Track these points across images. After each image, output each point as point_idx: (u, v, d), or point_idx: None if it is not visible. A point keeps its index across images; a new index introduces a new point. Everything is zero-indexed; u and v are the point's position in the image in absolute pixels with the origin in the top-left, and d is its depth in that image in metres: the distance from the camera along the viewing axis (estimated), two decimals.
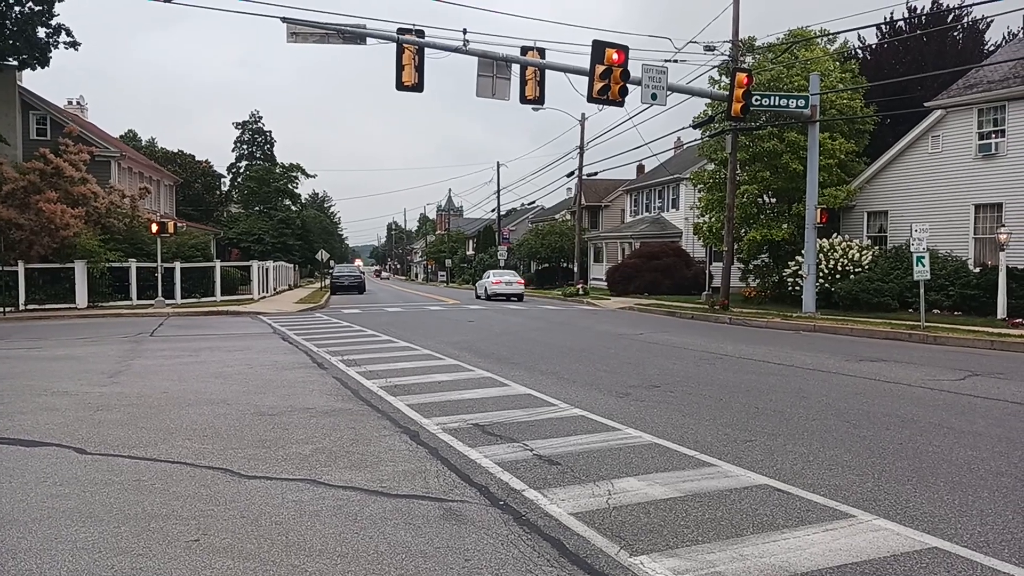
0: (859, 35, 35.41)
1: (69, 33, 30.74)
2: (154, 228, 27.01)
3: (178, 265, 29.26)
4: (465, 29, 18.26)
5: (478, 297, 38.96)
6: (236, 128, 77.33)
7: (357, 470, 6.21)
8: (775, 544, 4.56)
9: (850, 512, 5.11)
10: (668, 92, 20.15)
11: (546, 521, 4.99)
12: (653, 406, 8.88)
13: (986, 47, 32.05)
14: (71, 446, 7.04)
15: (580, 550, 4.50)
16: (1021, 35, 27.42)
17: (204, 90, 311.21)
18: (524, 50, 18.93)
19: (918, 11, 33.01)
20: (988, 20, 32.43)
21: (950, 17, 31.98)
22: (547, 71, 19.19)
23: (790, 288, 26.18)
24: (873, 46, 33.91)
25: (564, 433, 7.43)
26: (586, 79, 18.36)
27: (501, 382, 10.59)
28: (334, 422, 8.08)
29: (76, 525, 4.93)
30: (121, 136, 58.05)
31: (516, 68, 18.82)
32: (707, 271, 33.37)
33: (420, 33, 17.93)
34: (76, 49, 31.41)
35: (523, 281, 40.12)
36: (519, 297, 36.92)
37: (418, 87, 17.76)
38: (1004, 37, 31.43)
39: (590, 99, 18.20)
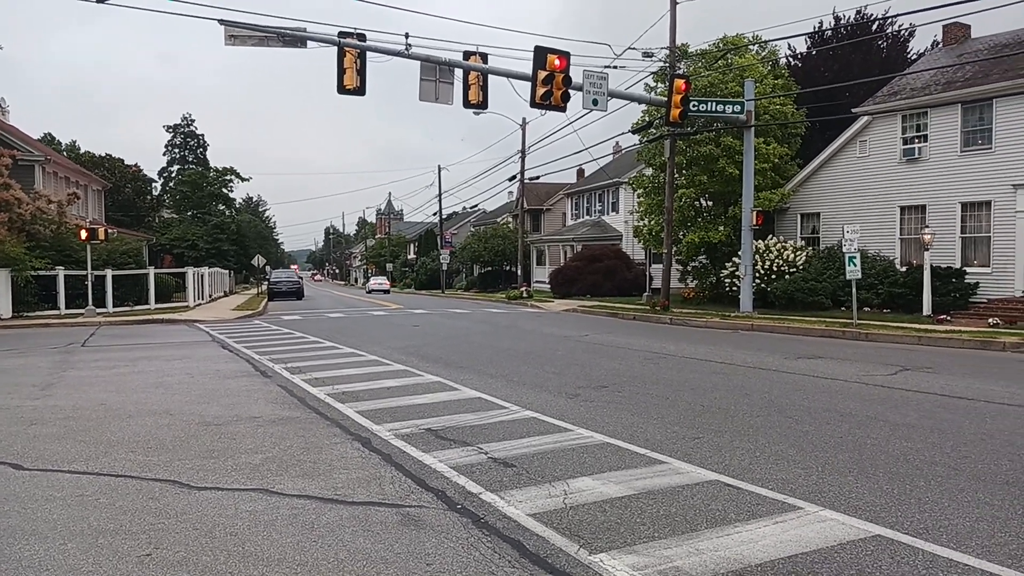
0: (789, 44, 36.55)
1: None
2: (83, 235, 26.06)
3: (109, 273, 28.27)
4: (407, 33, 18.19)
5: (367, 292, 62.61)
6: (167, 131, 75.21)
7: (310, 478, 6.13)
8: (729, 537, 4.69)
9: (798, 504, 5.29)
10: (608, 98, 20.46)
11: (505, 523, 5.02)
12: (602, 406, 9.01)
13: (910, 54, 33.45)
14: (6, 462, 6.76)
15: (540, 550, 4.55)
16: (941, 45, 28.72)
17: (126, 90, 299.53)
18: (467, 55, 18.95)
19: (843, 20, 34.25)
20: (911, 30, 33.81)
21: (874, 26, 33.28)
22: (490, 76, 19.26)
23: (728, 288, 26.83)
24: (802, 54, 35.04)
25: (517, 435, 7.48)
26: (528, 84, 18.51)
27: (451, 386, 10.58)
28: (282, 431, 7.95)
29: (20, 543, 4.75)
30: (39, 140, 55.71)
31: (459, 72, 18.84)
32: (647, 273, 33.97)
33: (362, 37, 17.76)
34: None
35: (390, 283, 69.05)
36: (386, 291, 61.73)
37: (360, 91, 17.61)
38: (931, 45, 32.83)
39: (533, 104, 18.33)
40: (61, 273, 27.00)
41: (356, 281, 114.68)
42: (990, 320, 18.67)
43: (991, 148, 21.69)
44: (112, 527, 5.05)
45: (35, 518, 5.24)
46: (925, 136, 23.53)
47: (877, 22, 33.09)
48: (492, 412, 8.71)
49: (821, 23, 34.82)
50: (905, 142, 24.10)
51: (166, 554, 4.56)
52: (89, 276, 26.42)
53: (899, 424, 7.88)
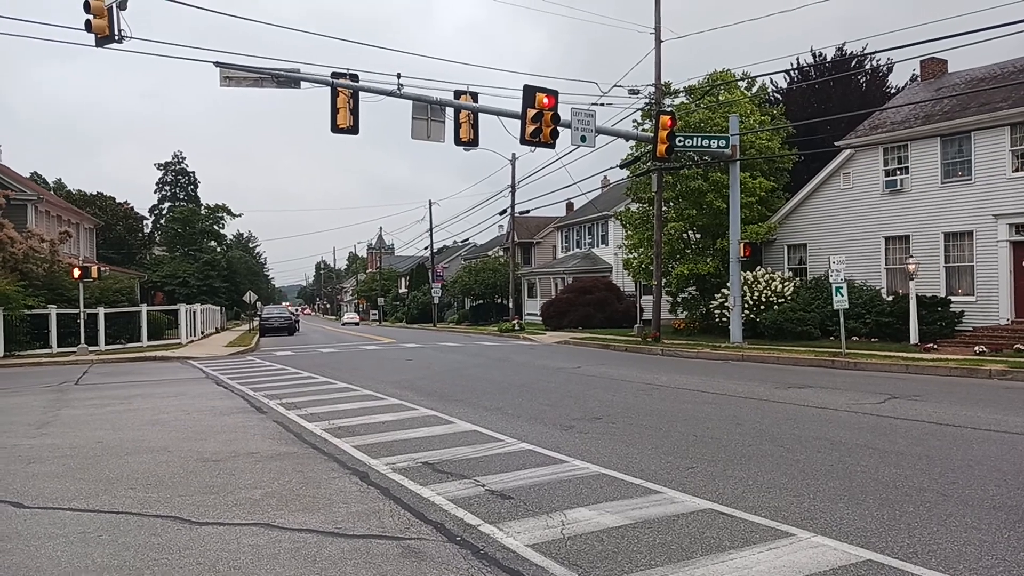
0: (771, 79, 37.30)
1: None
2: (76, 273, 26.07)
3: (102, 311, 28.27)
4: (399, 73, 18.53)
5: (342, 324, 72.03)
6: (159, 169, 75.74)
7: (310, 512, 6.20)
8: (723, 564, 4.80)
9: (790, 531, 5.41)
10: (596, 134, 20.84)
11: (504, 554, 5.11)
12: (597, 437, 9.12)
13: (888, 89, 34.24)
14: (7, 500, 6.79)
15: None
16: (919, 79, 29.43)
17: (111, 126, 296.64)
18: (457, 94, 19.32)
19: (823, 58, 35.10)
20: (890, 64, 34.62)
21: (853, 62, 34.10)
22: (480, 114, 19.61)
23: (717, 319, 27.06)
24: (784, 89, 35.79)
25: (513, 467, 7.58)
26: (518, 121, 18.86)
27: (446, 420, 10.67)
28: (281, 466, 8.01)
29: None
30: (27, 178, 55.75)
31: (450, 111, 19.18)
32: (637, 304, 34.16)
33: (354, 77, 18.11)
34: None
35: (359, 317, 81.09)
36: (356, 324, 70.77)
37: (353, 130, 17.90)
38: (910, 80, 33.62)
39: (523, 141, 18.66)
40: (53, 312, 26.98)
41: (357, 315, 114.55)
42: (976, 348, 18.91)
43: (971, 179, 22.16)
44: (116, 563, 5.10)
45: (39, 555, 5.29)
46: (907, 168, 24.01)
47: (856, 59, 33.90)
48: (488, 445, 8.80)
49: (798, 60, 35.71)
50: (887, 174, 24.58)
51: None
52: (81, 314, 26.39)
53: (888, 451, 8.03)
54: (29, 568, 5.03)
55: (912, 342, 20.58)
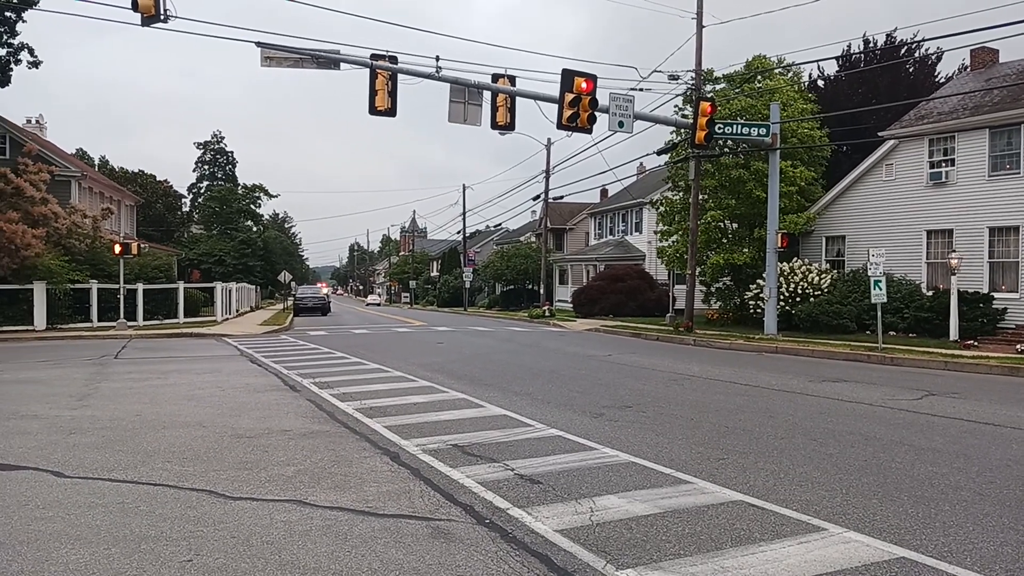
0: (819, 66, 36.49)
1: (32, 52, 30.36)
2: (117, 249, 26.62)
3: (141, 286, 28.84)
4: (438, 56, 18.52)
5: (366, 305, 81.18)
6: (198, 148, 76.78)
7: (342, 491, 6.28)
8: (753, 556, 4.77)
9: (822, 525, 5.35)
10: (634, 120, 20.62)
11: (532, 538, 5.13)
12: (627, 426, 9.09)
13: (937, 78, 33.34)
14: (48, 470, 6.99)
15: (568, 565, 4.66)
16: (968, 69, 28.62)
17: (150, 104, 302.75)
18: (495, 77, 19.25)
19: (872, 44, 34.26)
20: (939, 53, 33.70)
21: (903, 50, 33.26)
22: (517, 98, 19.51)
23: (752, 310, 26.75)
24: (831, 77, 35.05)
25: (543, 453, 7.59)
26: (555, 106, 18.73)
27: (476, 403, 10.72)
28: (313, 444, 8.13)
29: (65, 547, 4.94)
30: (72, 155, 56.86)
31: (487, 94, 19.13)
32: (670, 293, 33.90)
33: (393, 59, 18.14)
34: (37, 68, 31.04)
35: (381, 299, 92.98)
36: (378, 304, 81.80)
37: (391, 112, 17.94)
38: (958, 69, 32.73)
39: (560, 126, 18.52)
40: (94, 287, 27.59)
41: (379, 297, 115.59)
42: (1018, 346, 18.46)
43: (1020, 173, 21.54)
44: (153, 533, 5.23)
45: (78, 524, 5.44)
46: (952, 160, 23.41)
47: (906, 47, 33.04)
48: (517, 429, 8.82)
49: (850, 46, 34.86)
50: (932, 166, 24.00)
51: (206, 560, 4.73)
52: (121, 290, 26.95)
53: (924, 448, 7.89)
54: (70, 536, 5.17)
55: (951, 339, 20.15)
